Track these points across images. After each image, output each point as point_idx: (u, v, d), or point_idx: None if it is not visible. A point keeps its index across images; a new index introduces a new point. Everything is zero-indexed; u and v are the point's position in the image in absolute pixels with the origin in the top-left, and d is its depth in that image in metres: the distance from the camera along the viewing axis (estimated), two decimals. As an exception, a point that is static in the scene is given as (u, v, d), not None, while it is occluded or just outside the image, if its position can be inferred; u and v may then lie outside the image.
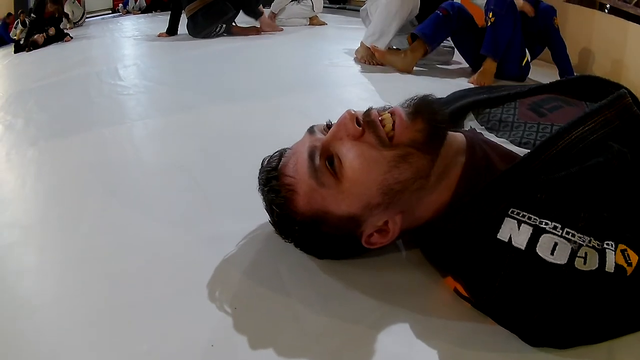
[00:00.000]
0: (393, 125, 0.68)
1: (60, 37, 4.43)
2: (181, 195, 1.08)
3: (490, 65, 2.06)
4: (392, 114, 0.69)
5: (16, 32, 4.60)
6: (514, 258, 0.60)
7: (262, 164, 0.79)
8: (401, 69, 2.20)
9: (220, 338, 0.65)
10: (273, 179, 0.74)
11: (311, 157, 0.70)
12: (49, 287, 0.79)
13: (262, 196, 0.77)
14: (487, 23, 2.06)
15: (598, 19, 2.59)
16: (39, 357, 0.64)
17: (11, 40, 4.69)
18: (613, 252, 0.58)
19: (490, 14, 2.02)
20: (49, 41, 4.34)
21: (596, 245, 0.59)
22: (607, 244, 0.59)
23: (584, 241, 0.59)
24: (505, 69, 2.10)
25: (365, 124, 0.69)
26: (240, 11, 3.67)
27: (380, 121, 0.69)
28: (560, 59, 2.22)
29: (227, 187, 1.08)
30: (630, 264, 0.58)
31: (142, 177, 1.22)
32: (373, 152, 0.68)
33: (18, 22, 4.71)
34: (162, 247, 0.87)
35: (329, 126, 0.74)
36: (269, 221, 0.80)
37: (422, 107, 0.69)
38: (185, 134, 1.52)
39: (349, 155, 0.68)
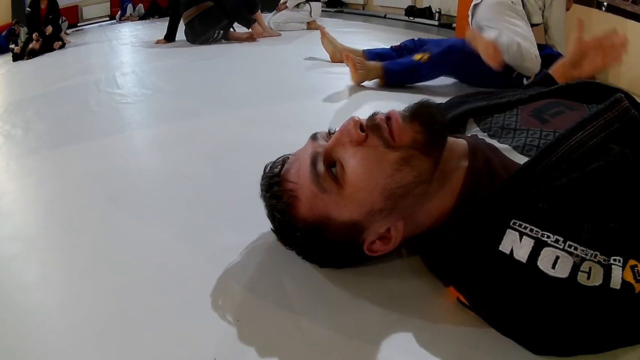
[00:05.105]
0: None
1: (56, 37, 4.45)
2: (184, 205, 1.08)
3: (375, 68, 2.01)
4: (388, 117, 0.69)
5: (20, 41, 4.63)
6: (515, 271, 0.60)
7: (264, 170, 0.79)
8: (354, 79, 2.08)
9: (224, 351, 0.64)
10: (275, 185, 0.74)
11: (313, 163, 0.70)
12: (52, 300, 0.78)
13: (264, 202, 0.77)
14: (421, 57, 1.99)
15: (596, 16, 2.59)
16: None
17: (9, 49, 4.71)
18: (620, 269, 0.57)
19: (427, 55, 1.96)
20: (45, 47, 4.35)
21: (602, 260, 0.58)
22: (615, 260, 0.58)
23: (586, 255, 0.58)
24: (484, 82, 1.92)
25: (369, 128, 0.69)
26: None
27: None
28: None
29: (229, 196, 1.08)
30: (639, 281, 0.57)
31: (143, 186, 1.21)
32: (376, 154, 0.67)
33: (14, 29, 4.75)
34: (164, 259, 0.87)
35: (331, 133, 0.74)
36: (271, 229, 0.79)
37: (419, 111, 0.69)
38: (186, 142, 1.51)
39: (352, 161, 0.68)
